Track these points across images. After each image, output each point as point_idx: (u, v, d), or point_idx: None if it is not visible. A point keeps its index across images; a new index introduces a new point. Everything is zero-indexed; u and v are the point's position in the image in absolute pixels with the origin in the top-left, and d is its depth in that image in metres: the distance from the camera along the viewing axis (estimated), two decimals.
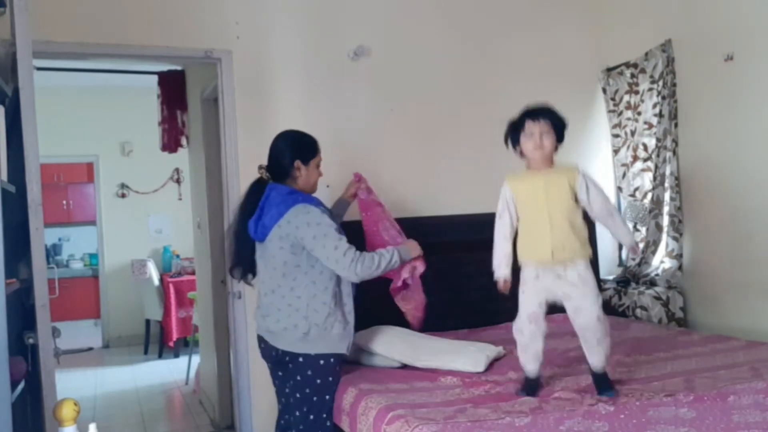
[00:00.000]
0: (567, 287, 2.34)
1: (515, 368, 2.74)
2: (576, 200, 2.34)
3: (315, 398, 2.56)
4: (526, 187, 2.39)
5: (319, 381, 2.54)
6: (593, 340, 2.33)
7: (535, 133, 2.33)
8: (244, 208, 2.62)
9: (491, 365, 2.81)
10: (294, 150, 2.61)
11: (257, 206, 2.57)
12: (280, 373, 2.66)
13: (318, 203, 2.59)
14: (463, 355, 2.79)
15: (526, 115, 2.38)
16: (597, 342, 2.32)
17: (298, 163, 2.59)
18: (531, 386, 2.40)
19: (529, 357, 2.40)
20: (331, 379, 2.57)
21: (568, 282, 2.34)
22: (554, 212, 2.31)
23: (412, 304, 2.83)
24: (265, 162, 2.69)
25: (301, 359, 2.54)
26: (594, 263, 3.89)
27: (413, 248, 2.73)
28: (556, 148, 2.38)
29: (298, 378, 2.56)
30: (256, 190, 2.62)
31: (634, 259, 3.80)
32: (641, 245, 3.80)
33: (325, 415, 2.58)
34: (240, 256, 2.66)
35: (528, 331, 2.39)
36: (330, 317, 2.53)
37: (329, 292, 2.54)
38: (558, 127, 2.37)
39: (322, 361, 2.54)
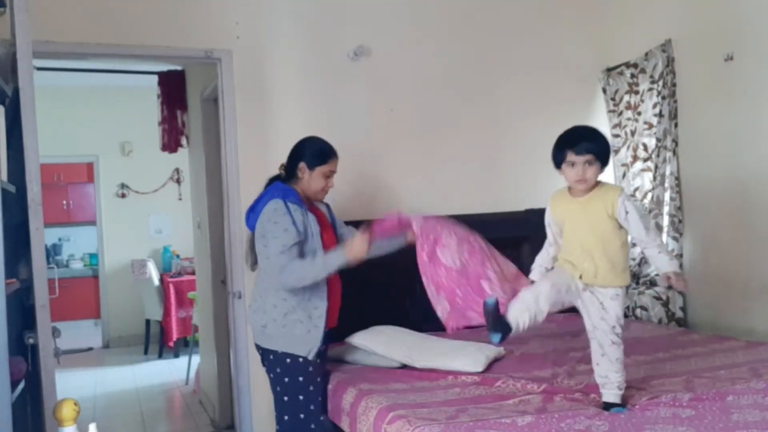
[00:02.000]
0: (591, 306, 2.28)
1: (516, 369, 2.74)
2: (618, 223, 2.24)
3: (286, 398, 2.54)
4: (563, 211, 2.33)
5: (287, 380, 2.52)
6: (606, 364, 2.25)
7: (577, 163, 2.21)
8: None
9: (491, 365, 2.81)
10: (303, 153, 2.65)
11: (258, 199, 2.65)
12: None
13: (294, 202, 2.54)
14: (462, 355, 2.79)
15: (568, 142, 2.25)
16: (610, 366, 2.24)
17: (302, 165, 2.63)
18: (502, 325, 2.18)
19: (523, 310, 2.20)
20: (301, 379, 2.53)
21: (593, 302, 2.27)
22: (587, 240, 2.24)
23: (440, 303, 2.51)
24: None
25: (271, 356, 2.55)
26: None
27: (352, 258, 2.50)
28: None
29: (271, 376, 2.58)
30: (268, 184, 2.70)
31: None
32: None
33: (302, 416, 2.53)
34: (250, 245, 2.73)
35: (544, 293, 2.22)
36: (290, 315, 2.51)
37: (293, 290, 2.52)
38: (604, 153, 2.24)
39: (288, 360, 2.52)
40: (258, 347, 2.63)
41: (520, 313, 2.18)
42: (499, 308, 2.19)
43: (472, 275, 2.47)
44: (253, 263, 2.72)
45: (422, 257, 2.51)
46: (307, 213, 2.58)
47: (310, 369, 2.55)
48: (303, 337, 2.51)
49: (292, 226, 2.47)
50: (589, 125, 2.41)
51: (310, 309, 2.54)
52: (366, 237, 2.50)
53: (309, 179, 2.64)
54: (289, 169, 2.69)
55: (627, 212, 2.19)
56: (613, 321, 2.23)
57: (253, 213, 2.62)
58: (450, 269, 2.48)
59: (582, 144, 2.21)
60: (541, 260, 2.45)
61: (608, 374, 2.23)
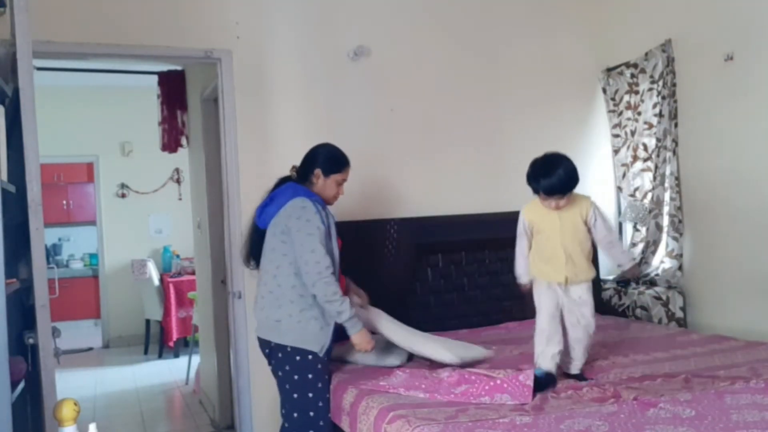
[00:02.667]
0: (570, 303, 2.61)
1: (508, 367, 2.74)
2: (587, 227, 2.60)
3: (296, 395, 2.55)
4: (542, 220, 2.61)
5: (296, 377, 2.54)
6: (581, 349, 2.62)
7: (551, 201, 2.53)
8: (263, 199, 2.73)
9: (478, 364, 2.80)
10: (320, 160, 2.71)
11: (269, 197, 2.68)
12: (270, 366, 2.68)
13: (318, 203, 2.62)
14: (444, 348, 2.81)
15: (539, 186, 2.52)
16: (584, 352, 2.63)
17: (318, 171, 2.69)
18: (545, 380, 2.48)
19: (547, 357, 2.57)
20: (311, 376, 2.55)
21: (571, 299, 2.60)
22: (569, 244, 2.56)
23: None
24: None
25: (280, 354, 2.56)
26: (594, 263, 3.91)
27: (359, 337, 2.60)
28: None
29: (279, 374, 2.58)
30: (277, 184, 2.74)
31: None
32: (641, 245, 3.80)
33: (312, 413, 2.55)
34: (251, 241, 2.76)
35: (548, 331, 2.59)
36: (306, 311, 2.54)
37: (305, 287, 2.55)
38: (570, 188, 2.52)
39: (298, 357, 2.54)
40: (266, 343, 2.62)
41: (550, 359, 2.55)
42: (549, 376, 2.51)
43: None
44: (247, 259, 2.77)
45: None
46: (329, 215, 2.67)
47: (319, 366, 2.57)
48: (316, 333, 2.55)
49: (322, 225, 2.55)
50: (556, 158, 2.54)
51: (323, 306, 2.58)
52: (373, 344, 2.65)
53: (323, 185, 2.70)
54: (303, 173, 2.73)
55: (596, 219, 2.59)
56: (592, 310, 2.61)
57: (268, 209, 2.64)
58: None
59: (550, 192, 2.50)
60: (522, 268, 2.70)
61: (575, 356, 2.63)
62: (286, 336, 2.55)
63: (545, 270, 2.60)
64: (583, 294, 2.60)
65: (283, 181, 2.75)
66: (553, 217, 2.57)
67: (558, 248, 2.56)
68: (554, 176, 2.47)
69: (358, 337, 2.60)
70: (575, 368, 2.63)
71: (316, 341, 2.55)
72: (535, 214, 2.63)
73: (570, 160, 2.53)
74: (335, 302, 2.51)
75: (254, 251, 2.76)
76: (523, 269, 2.69)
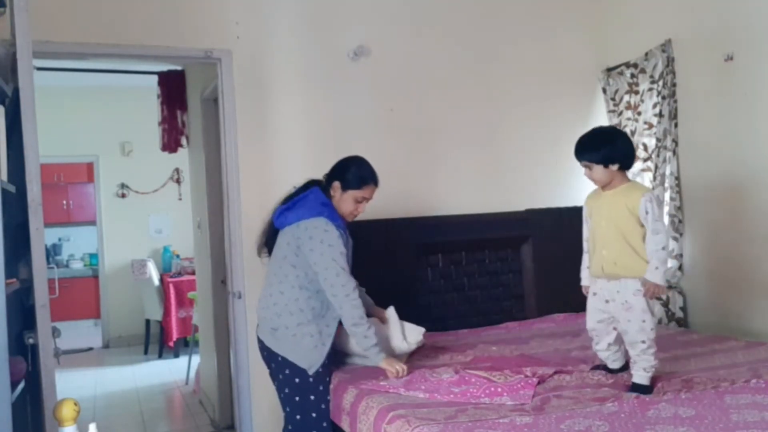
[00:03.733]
0: (615, 311, 2.49)
1: (516, 369, 2.73)
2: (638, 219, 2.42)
3: (297, 398, 2.55)
4: (593, 205, 2.57)
5: (298, 380, 2.54)
6: (634, 356, 2.42)
7: (584, 168, 2.50)
8: (286, 198, 2.71)
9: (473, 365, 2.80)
10: (342, 172, 2.65)
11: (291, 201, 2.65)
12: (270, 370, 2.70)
13: (341, 227, 2.60)
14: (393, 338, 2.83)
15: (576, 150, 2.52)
16: (640, 354, 2.40)
17: (336, 184, 2.64)
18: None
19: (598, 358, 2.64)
20: (311, 380, 2.55)
21: (616, 305, 2.47)
22: (610, 230, 2.45)
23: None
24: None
25: (273, 364, 2.57)
26: None
27: (387, 363, 2.56)
28: (623, 167, 2.47)
29: (280, 377, 2.58)
30: (303, 187, 2.70)
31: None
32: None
33: (314, 415, 2.56)
34: (266, 235, 2.75)
35: (590, 331, 2.62)
36: (302, 326, 2.53)
37: (311, 303, 2.55)
38: (599, 157, 2.44)
39: (287, 370, 2.54)
40: (264, 346, 2.63)
41: (602, 358, 2.62)
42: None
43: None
44: (260, 249, 2.78)
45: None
46: (349, 240, 2.66)
47: (319, 369, 2.57)
48: (309, 351, 2.53)
49: (344, 248, 2.54)
50: (596, 129, 2.61)
51: (322, 326, 2.57)
52: (405, 369, 2.56)
53: (339, 199, 2.64)
54: (329, 181, 2.68)
55: (647, 212, 2.38)
56: (640, 318, 2.40)
57: (287, 215, 2.60)
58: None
59: (577, 154, 2.50)
60: (583, 264, 2.68)
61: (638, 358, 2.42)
62: (280, 346, 2.55)
63: (591, 260, 2.56)
64: (630, 298, 2.41)
65: (309, 185, 2.70)
66: (601, 202, 2.50)
67: (600, 231, 2.49)
68: (583, 138, 2.50)
69: (386, 363, 2.54)
70: (634, 378, 2.40)
71: (306, 359, 2.53)
72: (591, 199, 2.60)
73: (610, 131, 2.58)
74: (362, 326, 2.49)
75: (269, 243, 2.75)
76: (583, 268, 2.67)
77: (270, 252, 2.73)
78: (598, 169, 2.45)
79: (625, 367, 2.57)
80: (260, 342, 2.66)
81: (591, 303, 2.59)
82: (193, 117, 4.78)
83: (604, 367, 2.63)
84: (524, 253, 3.80)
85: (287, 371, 2.55)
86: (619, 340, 2.57)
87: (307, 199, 2.61)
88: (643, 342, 2.38)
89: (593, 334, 2.62)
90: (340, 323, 2.58)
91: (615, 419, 2.06)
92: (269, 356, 2.62)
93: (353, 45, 3.59)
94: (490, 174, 3.91)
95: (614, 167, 2.43)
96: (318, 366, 2.54)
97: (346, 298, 2.48)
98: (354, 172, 2.63)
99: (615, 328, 2.55)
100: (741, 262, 3.32)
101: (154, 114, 5.07)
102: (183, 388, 5.41)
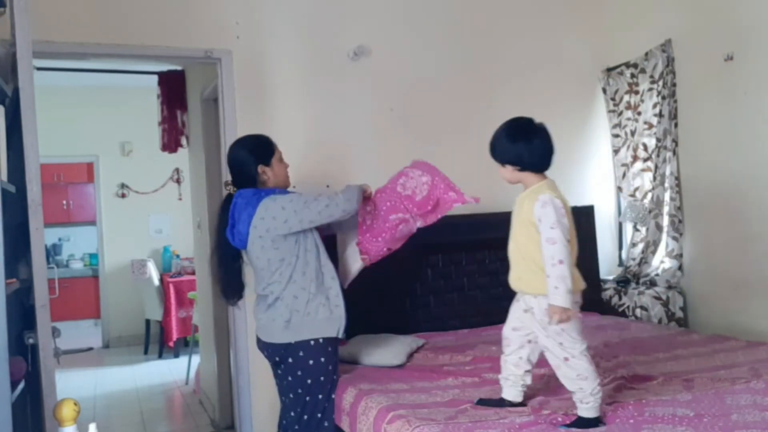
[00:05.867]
0: (532, 324, 2.14)
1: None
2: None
3: (308, 398, 2.55)
4: (515, 208, 2.23)
5: (309, 381, 2.54)
6: (565, 382, 2.08)
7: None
8: (219, 225, 2.63)
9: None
10: (253, 156, 2.59)
11: (229, 217, 2.58)
12: (278, 371, 2.67)
13: (282, 192, 2.58)
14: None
15: None
16: (569, 385, 2.07)
17: (261, 167, 2.59)
18: (490, 402, 2.25)
19: (502, 378, 2.28)
20: (323, 378, 2.55)
21: (533, 319, 2.12)
22: (511, 241, 2.18)
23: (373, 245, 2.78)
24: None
25: (290, 360, 2.54)
26: (594, 263, 3.92)
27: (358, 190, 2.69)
28: (536, 170, 2.16)
29: (290, 378, 2.57)
30: (226, 205, 2.62)
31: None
32: (641, 245, 3.79)
33: (320, 415, 2.56)
34: (228, 275, 2.68)
35: (504, 349, 2.27)
36: (312, 302, 2.53)
37: (308, 277, 2.54)
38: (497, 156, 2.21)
39: (311, 361, 2.53)
40: (276, 348, 2.57)
41: (516, 376, 2.24)
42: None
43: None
44: (232, 295, 2.72)
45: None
46: None
47: (330, 368, 2.57)
48: (328, 318, 2.54)
49: (300, 194, 2.57)
50: (511, 123, 2.32)
51: (326, 291, 2.57)
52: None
53: (274, 173, 2.62)
54: (247, 179, 2.60)
55: (539, 219, 2.02)
56: (556, 339, 2.04)
57: (239, 228, 2.53)
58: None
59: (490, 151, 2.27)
60: None
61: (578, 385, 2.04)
62: (299, 332, 2.52)
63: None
64: (539, 315, 2.07)
65: (227, 200, 2.63)
66: (516, 207, 2.18)
67: (509, 244, 2.19)
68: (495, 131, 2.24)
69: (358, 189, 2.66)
70: (582, 407, 2.03)
71: (331, 326, 2.54)
72: (518, 199, 2.22)
73: (517, 123, 2.24)
74: (338, 201, 2.55)
75: (235, 283, 2.70)
76: None
77: (242, 294, 2.73)
78: (505, 171, 2.20)
79: (523, 404, 2.24)
80: (271, 346, 2.60)
81: (512, 307, 2.25)
82: (193, 117, 4.77)
83: (496, 402, 2.23)
84: None
85: (299, 372, 2.53)
86: (530, 362, 2.21)
87: (239, 205, 2.54)
88: (566, 359, 2.03)
89: (505, 342, 2.26)
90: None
91: (613, 419, 2.06)
92: (286, 352, 2.54)
93: (353, 45, 3.58)
94: (491, 174, 3.86)
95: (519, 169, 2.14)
96: (344, 326, 2.56)
97: (335, 207, 2.52)
98: (257, 146, 2.62)
99: (530, 341, 2.19)
100: (741, 262, 3.32)
101: (154, 114, 5.07)
102: (183, 388, 5.41)
